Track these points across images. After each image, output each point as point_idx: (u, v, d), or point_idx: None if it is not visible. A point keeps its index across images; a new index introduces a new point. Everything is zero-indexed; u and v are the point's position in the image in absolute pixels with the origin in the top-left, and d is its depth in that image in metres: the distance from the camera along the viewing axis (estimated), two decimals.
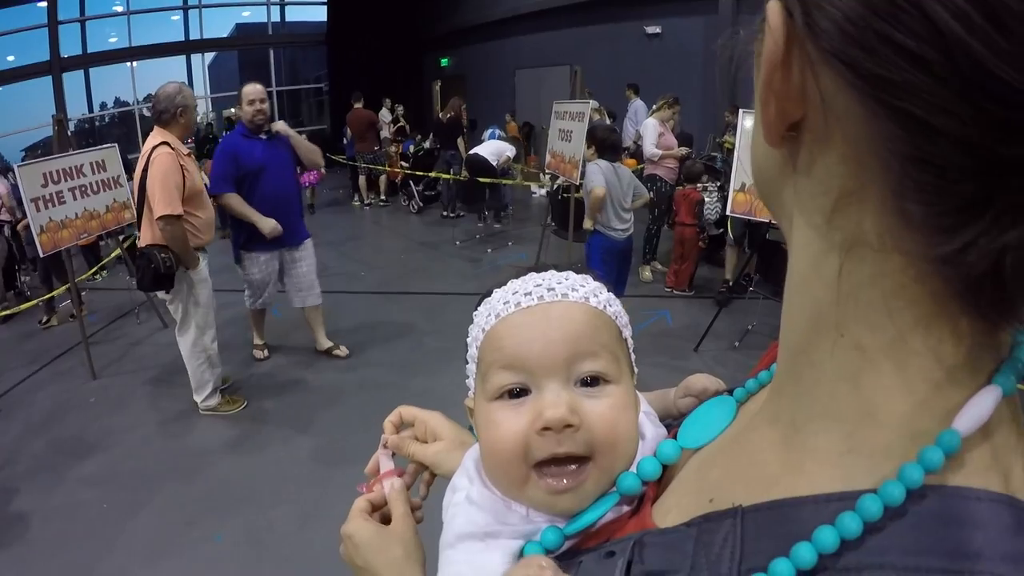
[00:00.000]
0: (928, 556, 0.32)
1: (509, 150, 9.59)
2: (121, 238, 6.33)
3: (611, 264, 4.81)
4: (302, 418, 4.38)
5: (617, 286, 5.08)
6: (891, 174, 0.31)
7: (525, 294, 0.59)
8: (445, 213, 10.35)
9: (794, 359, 0.42)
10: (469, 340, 0.64)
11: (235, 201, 4.56)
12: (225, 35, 17.62)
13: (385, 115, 12.96)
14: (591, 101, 6.44)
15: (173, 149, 3.95)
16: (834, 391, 0.38)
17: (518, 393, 0.57)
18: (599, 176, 4.75)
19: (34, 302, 6.30)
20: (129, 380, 5.16)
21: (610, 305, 0.61)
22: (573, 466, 0.55)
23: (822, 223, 0.36)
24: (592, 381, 0.57)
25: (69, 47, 14.65)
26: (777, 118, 0.35)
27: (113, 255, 6.63)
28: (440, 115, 11.34)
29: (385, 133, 12.38)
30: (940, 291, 0.33)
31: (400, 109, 13.08)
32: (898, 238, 0.33)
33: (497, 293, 0.62)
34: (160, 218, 3.87)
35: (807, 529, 0.35)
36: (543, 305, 0.58)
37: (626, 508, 0.56)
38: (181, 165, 3.94)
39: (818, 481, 0.38)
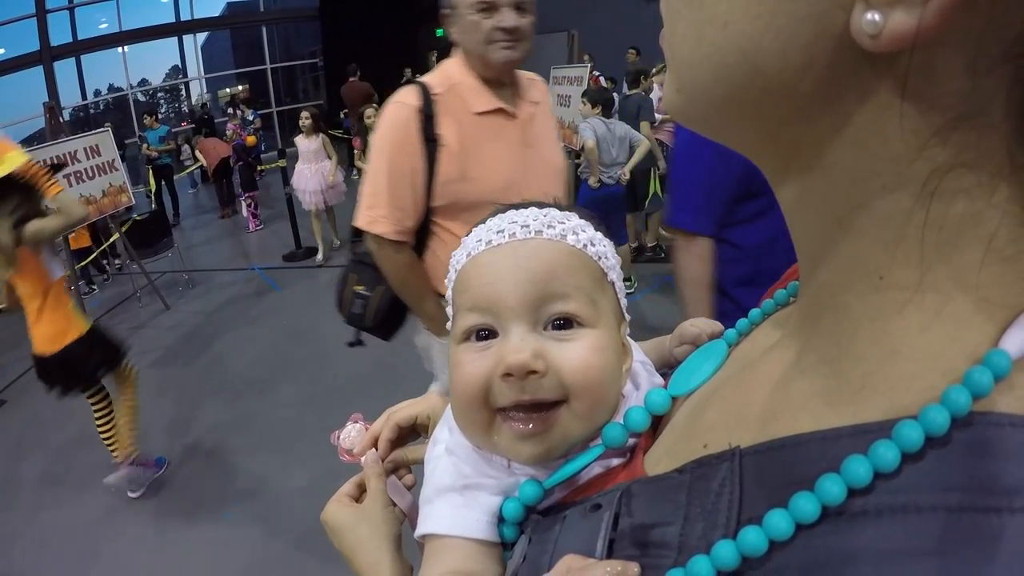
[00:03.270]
0: (956, 493, 0.27)
1: None
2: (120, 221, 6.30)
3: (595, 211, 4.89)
4: (307, 393, 4.37)
5: (614, 238, 5.17)
6: None
7: (497, 231, 0.54)
8: None
9: (814, 301, 0.36)
10: (446, 281, 0.59)
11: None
12: (216, 15, 17.42)
13: None
14: (588, 65, 6.36)
15: (430, 100, 1.85)
16: (856, 333, 0.33)
17: (485, 336, 0.52)
18: (589, 131, 5.16)
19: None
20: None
21: (593, 244, 0.55)
22: (542, 412, 0.50)
23: (908, 152, 0.28)
24: (564, 324, 0.51)
25: (59, 35, 14.52)
26: (948, 11, 0.24)
27: (113, 239, 6.59)
28: None
29: None
30: None
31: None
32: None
33: (475, 231, 0.58)
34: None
35: (817, 468, 0.30)
36: (514, 243, 0.53)
37: (616, 461, 0.51)
38: (434, 138, 1.83)
39: (824, 417, 0.33)
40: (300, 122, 7.00)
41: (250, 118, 10.29)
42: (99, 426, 3.39)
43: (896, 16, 0.25)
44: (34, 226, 2.94)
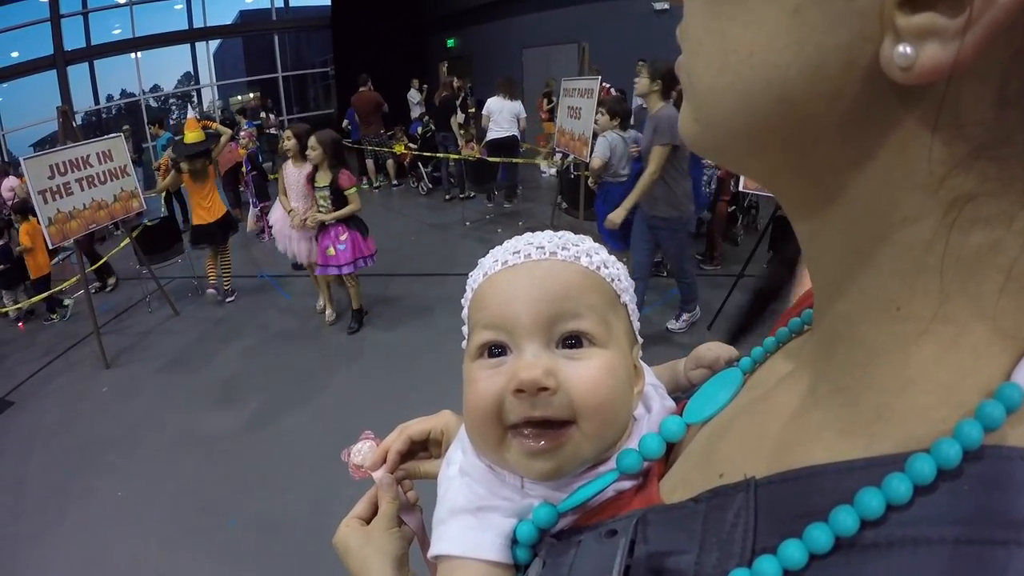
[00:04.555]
0: (968, 525, 0.27)
1: (521, 112, 9.13)
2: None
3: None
4: (314, 402, 4.37)
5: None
6: None
7: (513, 252, 0.56)
8: (448, 196, 10.20)
9: (830, 332, 0.36)
10: (462, 301, 0.61)
11: None
12: (229, 22, 17.55)
13: (414, 95, 12.86)
14: (599, 77, 6.37)
15: None
16: (871, 363, 0.33)
17: (498, 352, 0.54)
18: (603, 148, 5.32)
19: (46, 295, 6.32)
20: (141, 369, 5.18)
21: (606, 267, 0.57)
22: (552, 430, 0.51)
23: (930, 182, 0.28)
24: (575, 342, 0.52)
25: (73, 40, 14.65)
26: (985, 42, 0.24)
27: (122, 245, 6.63)
28: (434, 96, 11.17)
29: (416, 113, 12.42)
30: None
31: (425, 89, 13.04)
32: None
33: (492, 252, 0.59)
34: None
35: (832, 500, 0.31)
36: (529, 263, 0.55)
37: (629, 484, 0.52)
38: None
39: (838, 448, 0.33)
40: (281, 144, 5.47)
41: (245, 127, 10.24)
42: (210, 265, 6.48)
43: (929, 49, 0.24)
44: (213, 154, 6.30)
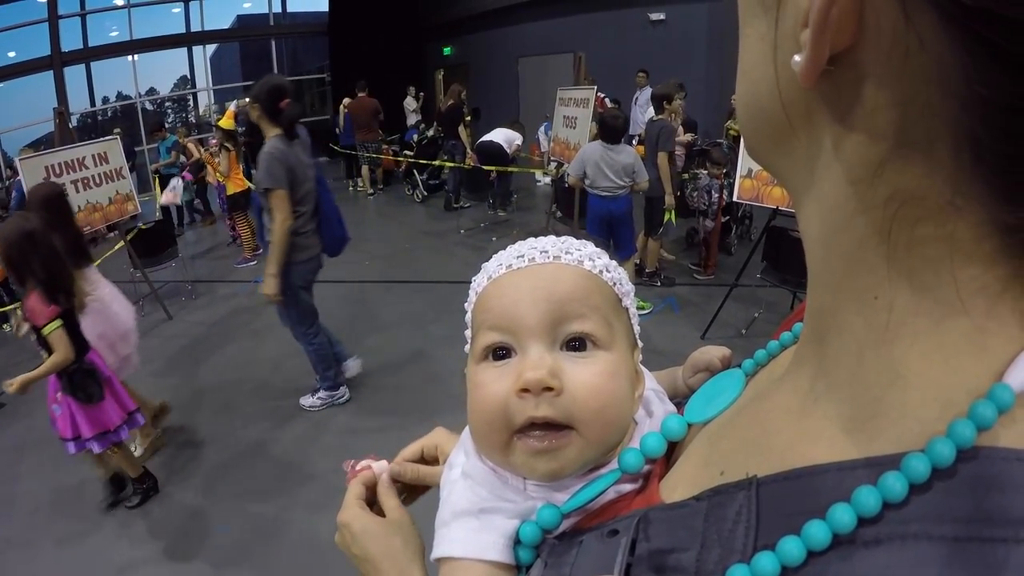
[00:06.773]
0: (963, 524, 0.28)
1: (518, 138, 9.52)
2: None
3: (599, 226, 5.28)
4: (307, 407, 4.36)
5: (618, 250, 5.17)
6: (967, 124, 0.26)
7: (517, 256, 0.58)
8: (456, 205, 10.20)
9: (819, 325, 0.38)
10: (466, 304, 0.62)
11: None
12: (226, 27, 17.56)
13: (410, 103, 12.97)
14: (595, 87, 6.40)
15: None
16: (861, 356, 0.34)
17: (503, 354, 0.54)
18: (576, 163, 5.35)
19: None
20: (134, 373, 5.14)
21: (608, 271, 0.58)
22: (555, 431, 0.52)
23: (865, 176, 0.31)
24: (579, 345, 0.53)
25: (70, 41, 14.64)
26: (819, 47, 0.28)
27: (116, 247, 6.62)
28: (440, 103, 11.28)
29: (412, 120, 12.62)
30: (999, 253, 0.29)
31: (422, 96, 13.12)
32: (965, 196, 0.28)
33: (496, 256, 0.60)
34: None
35: (831, 498, 0.32)
36: (533, 266, 0.56)
37: (630, 486, 0.53)
38: None
39: (839, 447, 0.34)
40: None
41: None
42: (243, 230, 8.15)
43: (803, 55, 0.29)
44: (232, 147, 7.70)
